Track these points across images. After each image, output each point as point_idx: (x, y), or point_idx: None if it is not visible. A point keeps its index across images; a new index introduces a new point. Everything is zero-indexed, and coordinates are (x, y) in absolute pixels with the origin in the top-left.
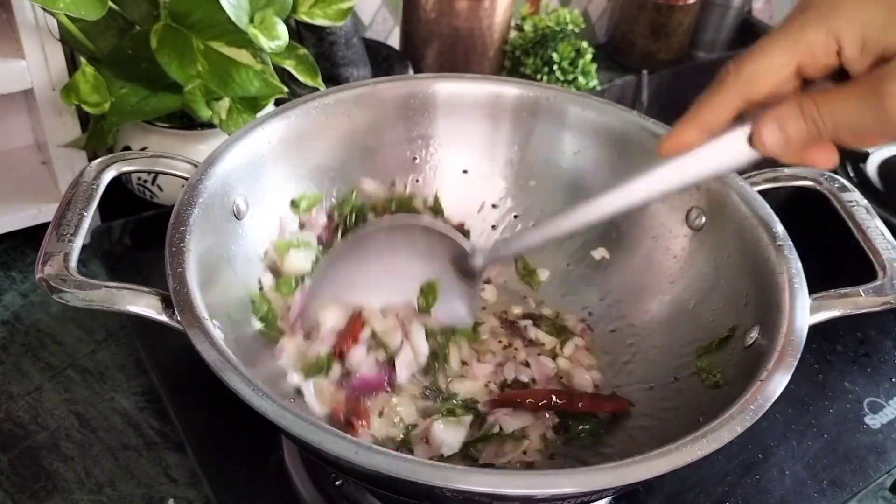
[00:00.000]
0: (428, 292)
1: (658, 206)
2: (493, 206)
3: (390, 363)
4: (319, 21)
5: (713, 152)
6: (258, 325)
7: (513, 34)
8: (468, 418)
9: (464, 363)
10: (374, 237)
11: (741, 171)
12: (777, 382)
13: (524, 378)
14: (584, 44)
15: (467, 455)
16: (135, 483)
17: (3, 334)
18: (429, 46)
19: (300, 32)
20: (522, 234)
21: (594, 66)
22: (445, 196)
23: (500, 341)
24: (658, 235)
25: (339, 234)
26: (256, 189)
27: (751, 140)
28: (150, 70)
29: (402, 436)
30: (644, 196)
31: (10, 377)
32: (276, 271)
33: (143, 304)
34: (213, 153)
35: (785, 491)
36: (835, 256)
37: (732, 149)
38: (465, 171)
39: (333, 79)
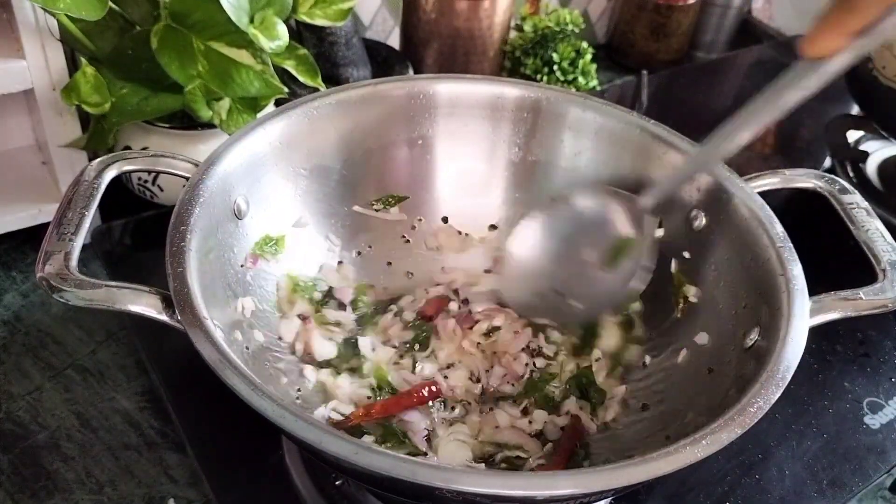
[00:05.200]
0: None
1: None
2: (494, 206)
3: None
4: (319, 21)
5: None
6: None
7: (513, 34)
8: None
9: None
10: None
11: (741, 172)
12: (776, 385)
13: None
14: (584, 44)
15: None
16: (135, 483)
17: (4, 334)
18: (429, 47)
19: (300, 33)
20: (680, 168)
21: (594, 67)
22: (445, 197)
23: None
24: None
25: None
26: (257, 189)
27: None
28: (150, 70)
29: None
30: (789, 104)
31: (11, 377)
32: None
33: (144, 304)
34: (214, 153)
35: (784, 491)
36: (835, 258)
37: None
38: (465, 172)
39: (333, 79)
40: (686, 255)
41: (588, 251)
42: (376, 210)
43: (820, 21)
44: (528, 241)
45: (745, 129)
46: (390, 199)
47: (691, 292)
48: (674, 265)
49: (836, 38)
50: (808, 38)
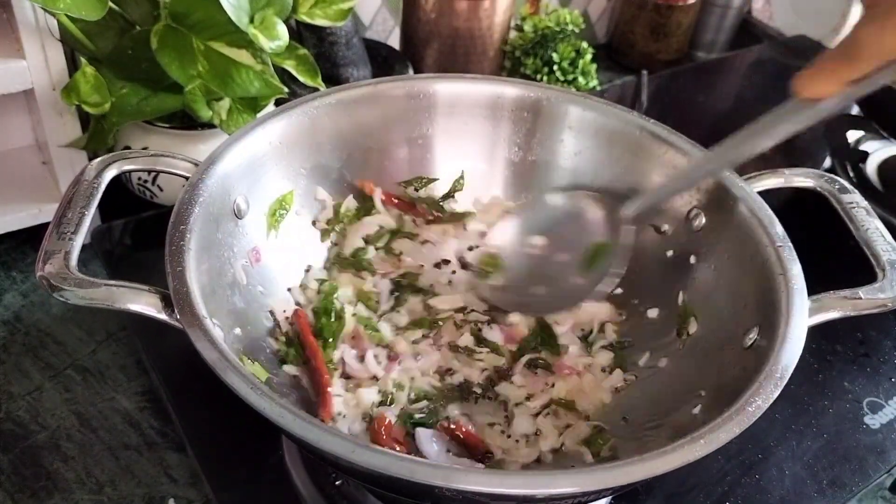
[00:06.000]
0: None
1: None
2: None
3: None
4: (320, 21)
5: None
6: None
7: (513, 34)
8: None
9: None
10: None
11: (741, 172)
12: (774, 384)
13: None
14: (584, 44)
15: None
16: (135, 483)
17: (4, 334)
18: (429, 47)
19: (300, 33)
20: (668, 182)
21: (594, 67)
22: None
23: None
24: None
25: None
26: (257, 189)
27: None
28: (150, 70)
29: None
30: (779, 137)
31: (11, 377)
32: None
33: (144, 303)
34: (214, 152)
35: (785, 491)
36: (834, 258)
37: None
38: (465, 172)
39: (333, 79)
40: (693, 259)
41: (564, 252)
42: (416, 190)
43: (816, 65)
44: (507, 236)
45: (732, 155)
46: (421, 180)
47: (693, 327)
48: (681, 297)
49: (830, 84)
50: (803, 80)
